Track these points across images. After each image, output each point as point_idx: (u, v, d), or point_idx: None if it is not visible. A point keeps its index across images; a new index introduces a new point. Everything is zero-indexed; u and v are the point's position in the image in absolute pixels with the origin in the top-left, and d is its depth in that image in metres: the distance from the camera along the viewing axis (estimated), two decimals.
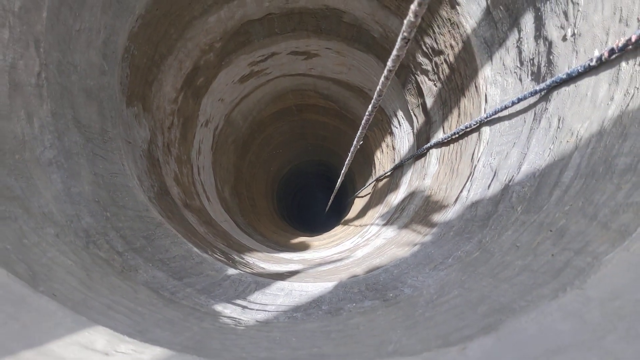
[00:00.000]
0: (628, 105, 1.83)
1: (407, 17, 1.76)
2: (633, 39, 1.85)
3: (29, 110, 2.15)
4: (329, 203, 9.63)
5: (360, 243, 5.49)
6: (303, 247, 7.46)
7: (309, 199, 16.63)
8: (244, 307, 2.42)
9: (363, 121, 3.31)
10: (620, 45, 1.92)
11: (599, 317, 1.15)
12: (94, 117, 2.83)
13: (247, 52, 5.67)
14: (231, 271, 3.18)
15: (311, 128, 9.89)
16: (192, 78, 5.11)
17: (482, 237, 2.45)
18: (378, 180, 7.99)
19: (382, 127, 7.33)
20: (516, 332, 1.22)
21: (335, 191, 8.18)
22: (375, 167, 8.75)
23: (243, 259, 4.28)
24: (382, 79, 2.34)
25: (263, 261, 4.53)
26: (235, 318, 2.16)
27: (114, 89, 3.25)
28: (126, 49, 3.43)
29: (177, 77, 4.75)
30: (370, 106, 2.95)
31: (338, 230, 9.60)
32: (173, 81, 4.71)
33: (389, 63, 2.16)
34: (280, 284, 3.10)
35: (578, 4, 2.34)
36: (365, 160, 9.69)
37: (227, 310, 2.32)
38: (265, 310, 2.39)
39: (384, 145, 7.63)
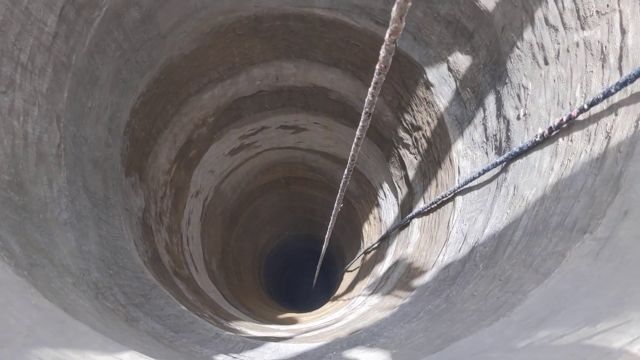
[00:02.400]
0: (562, 174, 2.13)
1: (367, 96, 2.06)
2: (564, 119, 2.17)
3: (50, 177, 2.40)
4: (314, 280, 9.73)
5: (347, 313, 5.62)
6: (292, 322, 7.52)
7: (298, 275, 16.57)
8: (234, 357, 2.58)
9: (341, 184, 3.58)
10: (556, 124, 2.24)
11: (513, 331, 1.39)
12: (99, 185, 3.08)
13: (238, 126, 6.03)
14: (221, 332, 3.32)
15: (300, 201, 10.16)
16: (185, 150, 5.42)
17: (450, 292, 2.67)
18: (366, 252, 8.17)
19: (369, 199, 7.62)
20: (455, 348, 1.44)
21: (319, 266, 8.34)
22: (363, 240, 8.96)
23: (231, 325, 4.40)
24: (353, 145, 2.63)
25: (250, 329, 4.64)
26: None
27: (116, 160, 3.52)
28: (128, 123, 3.74)
29: (171, 149, 5.05)
30: (345, 170, 3.23)
31: (327, 306, 9.64)
32: (167, 153, 5.00)
33: (357, 132, 2.46)
34: (268, 344, 3.25)
35: (527, 88, 2.69)
36: (353, 233, 9.91)
37: (219, 357, 2.48)
38: None
39: (371, 217, 7.89)
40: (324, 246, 6.63)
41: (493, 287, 2.12)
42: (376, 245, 7.16)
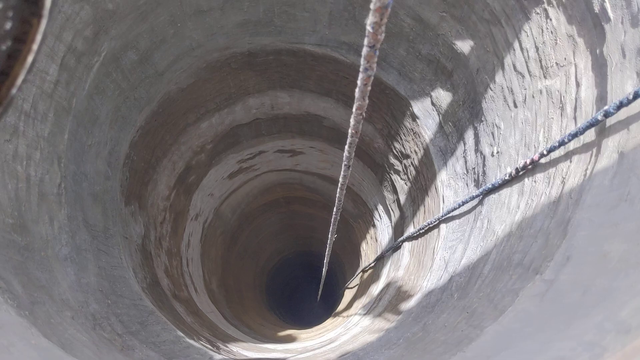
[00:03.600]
0: (526, 212, 2.29)
1: (344, 153, 2.22)
2: (528, 162, 2.34)
3: (51, 215, 2.58)
4: (319, 295, 9.86)
5: (342, 333, 5.75)
6: (291, 340, 7.65)
7: (299, 291, 16.64)
8: None
9: (332, 218, 3.75)
10: (521, 165, 2.40)
11: None
12: (99, 217, 3.25)
13: (236, 151, 6.21)
14: (215, 356, 3.47)
15: (299, 219, 10.32)
16: (184, 176, 5.60)
17: (427, 320, 2.82)
18: (364, 271, 8.31)
19: (365, 219, 7.78)
20: None
21: (322, 281, 8.47)
22: (361, 258, 9.10)
23: (227, 347, 4.54)
24: (338, 190, 2.80)
25: (246, 350, 4.79)
26: None
27: (116, 191, 3.70)
28: (127, 155, 3.92)
29: (170, 176, 5.24)
30: (334, 209, 3.40)
31: (328, 323, 9.76)
32: (167, 180, 5.18)
33: (340, 179, 2.62)
34: None
35: (500, 127, 2.86)
36: (353, 251, 10.04)
37: None
38: None
39: (368, 237, 8.05)
40: (324, 269, 6.77)
41: (461, 320, 2.27)
42: (373, 264, 7.30)
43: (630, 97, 1.67)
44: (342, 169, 2.41)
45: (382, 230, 6.80)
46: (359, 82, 1.48)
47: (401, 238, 5.09)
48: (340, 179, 2.59)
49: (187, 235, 6.27)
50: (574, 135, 2.01)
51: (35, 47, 0.64)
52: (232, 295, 8.65)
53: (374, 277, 6.98)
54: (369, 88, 1.47)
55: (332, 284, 13.98)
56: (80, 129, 3.05)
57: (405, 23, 3.39)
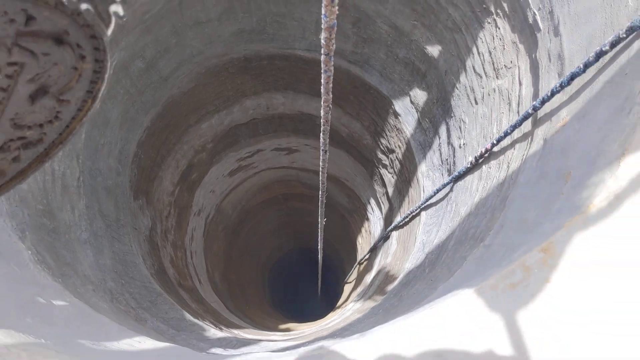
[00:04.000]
0: (482, 194, 2.68)
1: (320, 139, 2.61)
2: (483, 151, 2.73)
3: (72, 204, 2.98)
4: (319, 290, 10.25)
5: (337, 318, 6.15)
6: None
7: (300, 287, 16.99)
8: (229, 350, 3.13)
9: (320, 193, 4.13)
10: (479, 154, 2.79)
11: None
12: (111, 209, 3.65)
13: (235, 150, 6.61)
14: (218, 333, 3.87)
15: (297, 216, 10.71)
16: (187, 174, 5.99)
17: (403, 292, 3.22)
18: (360, 264, 8.69)
19: (360, 213, 8.17)
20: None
21: (319, 273, 8.85)
22: (358, 252, 9.49)
23: (230, 330, 4.94)
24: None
25: (248, 334, 5.18)
26: (221, 354, 2.87)
27: (125, 186, 4.10)
28: (135, 154, 4.31)
29: (174, 174, 5.63)
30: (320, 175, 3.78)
31: (329, 316, 10.14)
32: (171, 177, 5.58)
33: (320, 163, 3.02)
34: (261, 342, 3.80)
35: (465, 122, 3.25)
36: (350, 245, 10.42)
37: (217, 350, 3.04)
38: (244, 353, 3.10)
39: (363, 230, 8.43)
40: (319, 256, 7.16)
41: (426, 286, 2.67)
42: (367, 257, 7.69)
43: (549, 93, 2.05)
44: (321, 154, 2.79)
45: (375, 222, 7.19)
46: (322, 81, 1.86)
47: (389, 228, 5.48)
48: (321, 163, 2.97)
49: (190, 230, 6.66)
50: (514, 127, 2.40)
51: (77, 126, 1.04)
52: (234, 289, 9.03)
53: (368, 267, 7.37)
54: (331, 85, 1.85)
55: (332, 280, 14.35)
56: (94, 130, 3.44)
57: (383, 30, 3.78)
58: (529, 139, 2.33)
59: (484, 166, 2.86)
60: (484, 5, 2.76)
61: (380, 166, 5.74)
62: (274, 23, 4.19)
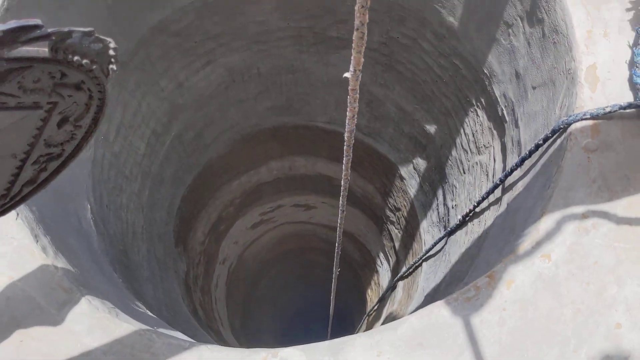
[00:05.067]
0: (467, 246, 3.38)
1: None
2: (469, 211, 3.45)
3: (138, 248, 3.73)
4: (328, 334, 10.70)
5: None
6: None
7: (312, 338, 17.25)
8: None
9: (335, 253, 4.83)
10: (465, 214, 3.52)
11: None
12: (162, 253, 4.39)
13: (259, 205, 7.37)
14: None
15: (314, 269, 11.33)
16: (217, 226, 6.74)
17: None
18: (368, 315, 9.24)
19: (370, 267, 8.80)
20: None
21: (330, 322, 9.38)
22: (367, 305, 10.04)
23: None
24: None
25: None
26: None
27: (171, 235, 4.85)
28: (179, 207, 5.08)
29: (206, 225, 6.38)
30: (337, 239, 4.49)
31: None
32: (203, 228, 6.32)
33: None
34: None
35: (456, 187, 3.99)
36: (360, 298, 10.96)
37: None
38: None
39: (372, 283, 9.04)
40: (331, 306, 7.74)
41: None
42: (376, 307, 8.27)
43: (509, 170, 2.79)
44: (340, 203, 3.52)
45: (383, 275, 7.82)
46: (344, 162, 2.61)
47: (396, 278, 6.12)
48: (339, 220, 3.70)
49: (215, 277, 7.34)
50: (488, 194, 3.13)
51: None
52: (251, 335, 9.58)
53: (377, 316, 7.94)
54: (349, 165, 2.59)
55: (342, 331, 14.71)
56: (153, 187, 4.23)
57: (391, 110, 4.59)
58: (499, 203, 3.05)
59: (469, 223, 3.57)
60: (468, 99, 3.55)
61: (389, 222, 6.45)
62: (300, 101, 5.03)
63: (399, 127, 4.73)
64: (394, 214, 6.06)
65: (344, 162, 2.40)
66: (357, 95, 1.87)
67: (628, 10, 2.31)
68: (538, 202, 2.21)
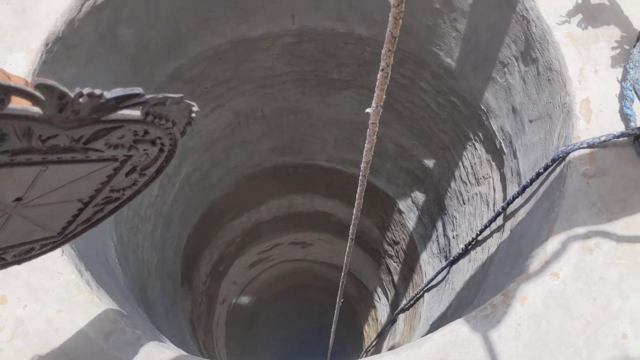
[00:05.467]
0: (471, 273, 3.55)
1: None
2: (471, 240, 3.63)
3: (153, 285, 3.84)
4: None
5: None
6: None
7: None
8: None
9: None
10: (467, 242, 3.70)
11: None
12: (170, 291, 4.49)
13: (258, 243, 7.49)
14: None
15: (311, 306, 11.34)
16: (217, 265, 6.83)
17: None
18: (367, 351, 9.26)
19: (366, 302, 8.88)
20: None
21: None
22: (364, 341, 10.06)
23: None
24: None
25: None
26: None
27: (177, 273, 4.95)
28: (184, 246, 5.20)
29: (207, 265, 6.47)
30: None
31: None
32: (205, 268, 6.41)
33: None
34: None
35: (456, 218, 4.19)
36: (357, 334, 10.97)
37: None
38: None
39: (369, 318, 9.10)
40: (330, 341, 7.78)
41: None
42: (374, 343, 8.32)
43: (511, 198, 3.00)
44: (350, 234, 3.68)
45: (381, 309, 7.92)
46: (355, 209, 2.80)
47: (396, 311, 6.23)
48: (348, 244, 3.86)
49: (216, 317, 7.38)
50: (490, 222, 3.32)
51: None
52: None
53: (376, 352, 7.98)
54: (360, 207, 2.78)
55: None
56: (164, 227, 4.37)
57: (389, 147, 4.82)
58: (501, 230, 3.25)
59: (472, 252, 3.75)
60: (465, 133, 3.79)
61: (387, 256, 6.60)
62: (300, 140, 5.25)
63: (397, 163, 4.95)
64: (393, 248, 6.22)
65: (358, 191, 2.58)
66: (377, 129, 2.06)
67: (614, 48, 2.57)
68: (544, 225, 2.41)
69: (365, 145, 2.28)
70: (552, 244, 2.26)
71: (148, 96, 0.95)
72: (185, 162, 4.39)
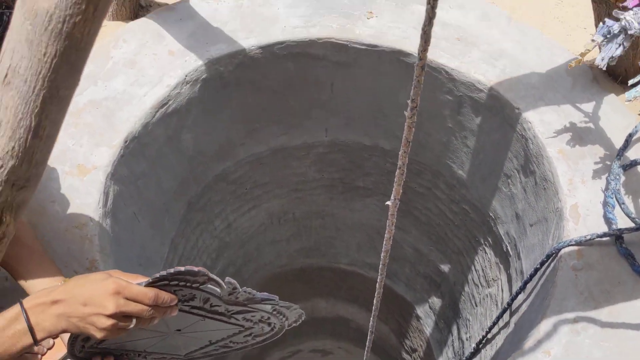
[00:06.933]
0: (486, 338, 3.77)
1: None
2: (481, 338, 3.88)
3: None
4: None
5: None
6: None
7: None
8: None
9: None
10: (476, 343, 3.94)
11: None
12: None
13: (280, 349, 7.63)
14: None
15: None
16: None
17: None
18: None
19: None
20: None
21: None
22: None
23: None
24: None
25: None
26: None
27: None
28: None
29: None
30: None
31: None
32: None
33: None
34: None
35: (469, 320, 4.46)
36: None
37: None
38: None
39: None
40: None
41: None
42: None
43: (515, 294, 3.33)
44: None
45: None
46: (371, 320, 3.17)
47: None
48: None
49: None
50: (498, 318, 3.62)
51: None
52: None
53: None
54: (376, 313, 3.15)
55: None
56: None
57: (407, 252, 5.22)
58: (508, 325, 3.54)
59: (482, 350, 3.99)
60: (477, 239, 4.20)
61: None
62: (326, 243, 5.68)
63: (415, 268, 5.31)
64: (410, 356, 6.36)
65: (379, 268, 2.96)
66: (395, 219, 2.51)
67: (597, 163, 3.05)
68: (540, 311, 2.75)
69: (385, 235, 2.72)
70: (545, 325, 2.59)
71: (281, 302, 1.63)
72: (222, 256, 4.84)
